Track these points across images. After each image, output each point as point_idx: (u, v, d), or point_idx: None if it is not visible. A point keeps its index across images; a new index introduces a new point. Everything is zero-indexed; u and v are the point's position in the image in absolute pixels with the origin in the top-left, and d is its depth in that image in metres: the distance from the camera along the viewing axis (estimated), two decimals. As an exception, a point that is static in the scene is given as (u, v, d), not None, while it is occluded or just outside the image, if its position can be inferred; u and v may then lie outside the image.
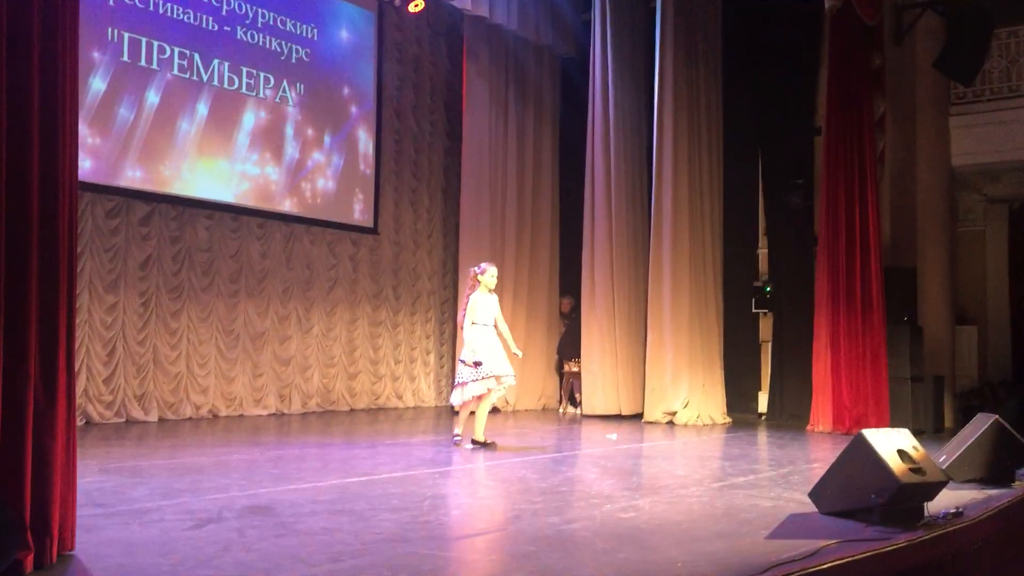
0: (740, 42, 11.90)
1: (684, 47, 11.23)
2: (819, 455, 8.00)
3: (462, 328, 7.90)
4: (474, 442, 7.85)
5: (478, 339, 7.75)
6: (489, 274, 7.95)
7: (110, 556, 3.78)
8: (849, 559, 4.01)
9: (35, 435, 3.57)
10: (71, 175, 3.84)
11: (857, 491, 4.82)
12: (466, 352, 7.80)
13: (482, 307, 7.85)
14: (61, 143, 3.76)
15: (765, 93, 11.88)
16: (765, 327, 11.97)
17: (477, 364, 7.70)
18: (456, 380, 7.93)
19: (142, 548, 3.94)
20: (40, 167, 3.66)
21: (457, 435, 7.94)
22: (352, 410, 11.64)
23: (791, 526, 4.71)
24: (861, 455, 4.85)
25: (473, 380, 7.70)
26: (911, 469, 4.75)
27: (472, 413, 7.95)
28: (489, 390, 7.76)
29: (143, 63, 9.55)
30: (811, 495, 5.18)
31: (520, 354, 8.25)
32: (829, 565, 3.90)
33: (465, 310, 7.87)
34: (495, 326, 7.94)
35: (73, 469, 3.82)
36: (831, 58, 10.70)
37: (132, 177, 9.46)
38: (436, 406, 12.59)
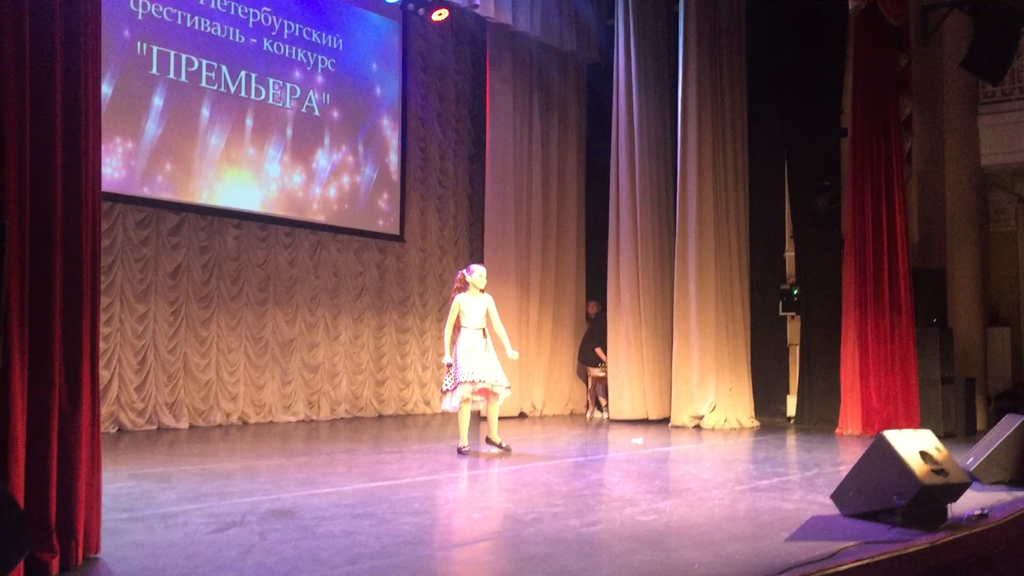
0: (764, 45, 11.86)
1: (708, 51, 11.21)
2: (846, 458, 7.94)
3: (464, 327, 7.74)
4: (488, 441, 7.88)
5: (457, 343, 7.67)
6: (476, 274, 7.86)
7: (134, 559, 3.86)
8: (869, 561, 4.00)
9: (60, 440, 3.66)
10: (94, 184, 3.93)
11: (879, 493, 4.79)
12: (446, 356, 7.77)
13: (467, 308, 7.75)
14: (83, 154, 3.85)
15: (790, 95, 11.83)
16: (793, 330, 11.89)
17: (450, 367, 7.63)
18: (442, 387, 7.82)
19: (165, 551, 4.01)
20: (63, 177, 3.75)
21: (463, 446, 7.76)
22: (380, 416, 11.72)
23: (812, 528, 4.69)
24: (883, 456, 4.82)
25: (453, 387, 7.60)
26: (933, 470, 4.71)
27: (484, 418, 7.96)
28: (468, 398, 7.62)
29: (172, 76, 9.70)
30: (833, 497, 5.16)
31: (515, 355, 8.05)
32: (849, 567, 3.88)
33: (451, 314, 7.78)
34: (486, 329, 7.81)
35: (98, 473, 3.90)
36: (856, 59, 10.63)
37: (162, 187, 9.61)
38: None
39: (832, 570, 3.83)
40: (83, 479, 3.74)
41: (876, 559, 4.04)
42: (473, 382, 7.57)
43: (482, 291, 7.89)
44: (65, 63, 3.79)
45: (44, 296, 3.64)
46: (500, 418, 8.15)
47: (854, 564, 3.92)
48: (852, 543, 4.22)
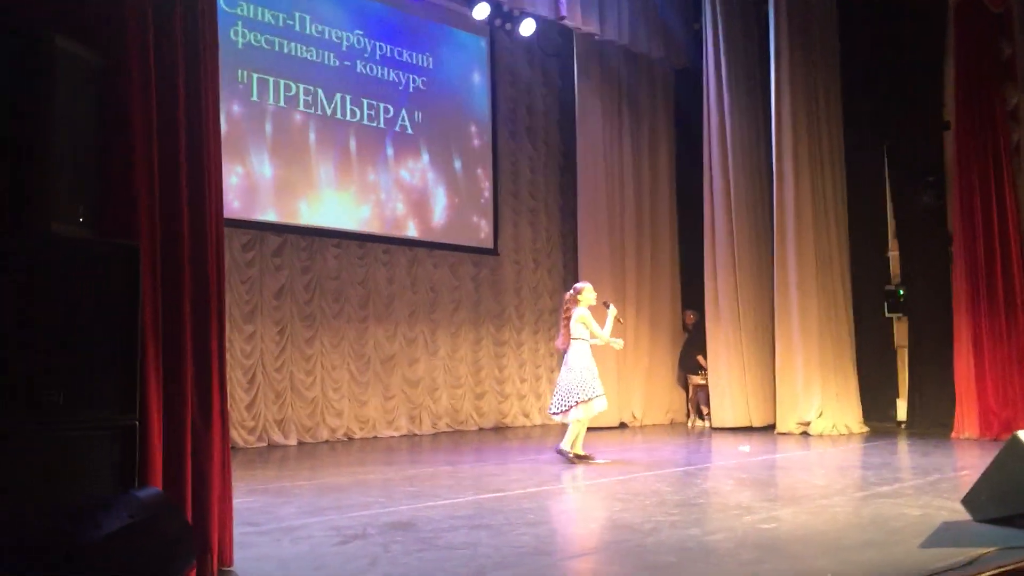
0: (858, 38, 11.56)
1: (800, 48, 10.99)
2: (968, 462, 7.65)
3: (594, 341, 7.96)
4: (575, 456, 7.95)
5: (587, 356, 7.93)
6: (588, 291, 8.08)
7: (266, 571, 3.95)
8: (1011, 567, 3.83)
9: (194, 456, 3.77)
10: (217, 207, 4.05)
11: (1014, 496, 4.59)
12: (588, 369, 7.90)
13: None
14: (207, 178, 3.98)
15: (888, 90, 11.49)
16: (900, 331, 11.52)
17: (595, 380, 7.86)
18: (580, 396, 7.87)
19: (294, 563, 4.09)
20: (189, 201, 3.87)
21: (581, 453, 7.96)
22: (480, 429, 11.78)
23: (945, 534, 4.52)
24: (1017, 458, 4.62)
25: (590, 397, 7.80)
26: (1073, 472, 4.50)
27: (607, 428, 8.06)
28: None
29: (271, 101, 9.98)
30: (964, 502, 4.96)
31: (619, 344, 8.25)
32: (991, 573, 3.73)
33: (594, 325, 7.95)
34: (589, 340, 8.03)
35: (228, 488, 4.00)
36: (957, 50, 10.29)
37: (264, 210, 9.87)
38: (563, 424, 12.57)
39: (973, 577, 3.69)
40: (216, 494, 3.84)
41: (1018, 565, 3.87)
42: (589, 400, 7.78)
43: (603, 306, 8.16)
44: (187, 89, 3.91)
45: (175, 317, 3.76)
46: (600, 428, 8.26)
47: (996, 570, 3.76)
48: (991, 549, 4.05)
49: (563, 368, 8.00)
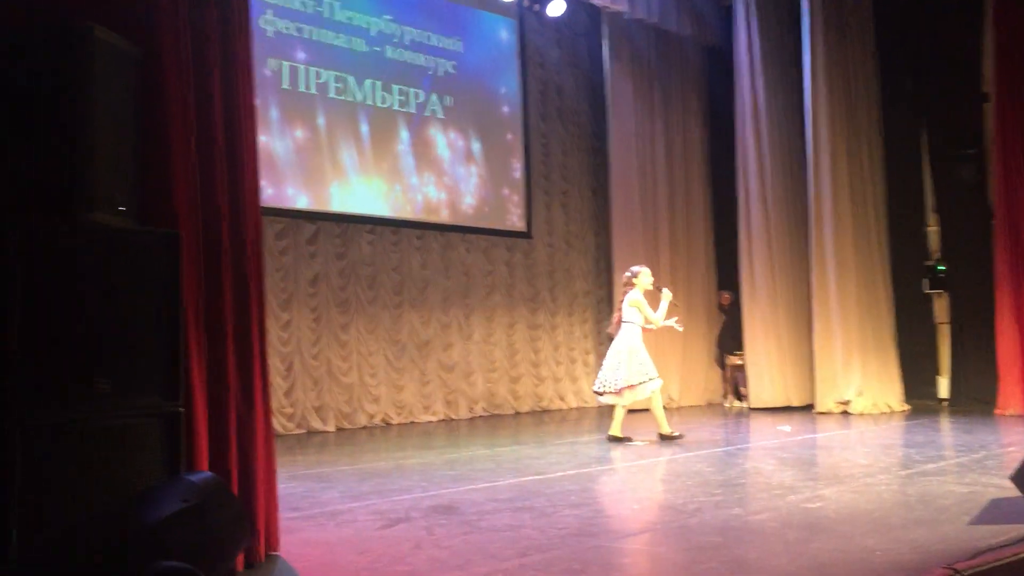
0: (894, 10, 11.35)
1: (834, 22, 10.82)
2: (1013, 439, 7.54)
3: (651, 325, 8.03)
4: (612, 437, 8.04)
5: (639, 338, 8.00)
6: (643, 275, 8.15)
7: (312, 555, 3.97)
8: (1064, 543, 3.76)
9: (239, 442, 3.79)
10: (254, 193, 4.06)
11: (1066, 472, 4.50)
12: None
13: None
14: (244, 164, 3.98)
15: (925, 62, 11.27)
16: (940, 308, 11.34)
17: (645, 364, 7.93)
18: (629, 381, 7.91)
19: (340, 547, 4.11)
20: (228, 188, 3.88)
21: (670, 432, 8.07)
22: (517, 413, 11.77)
23: (995, 511, 4.45)
24: (1068, 433, 4.53)
25: (647, 380, 7.89)
26: None
27: (646, 410, 8.20)
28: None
29: (303, 88, 10.00)
30: (1013, 479, 4.85)
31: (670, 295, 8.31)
32: (1043, 550, 3.66)
33: (647, 310, 8.00)
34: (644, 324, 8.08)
35: (273, 473, 4.02)
36: (996, 18, 10.09)
37: (297, 198, 9.91)
38: (599, 406, 12.56)
39: (1027, 553, 3.62)
40: (261, 478, 3.86)
41: (1073, 541, 3.79)
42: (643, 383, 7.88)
43: (657, 291, 8.22)
44: (223, 76, 3.91)
45: (216, 302, 3.77)
46: (640, 411, 8.38)
47: (1050, 547, 3.69)
48: (1044, 525, 3.98)
49: (611, 349, 8.07)
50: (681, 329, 8.44)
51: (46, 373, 2.99)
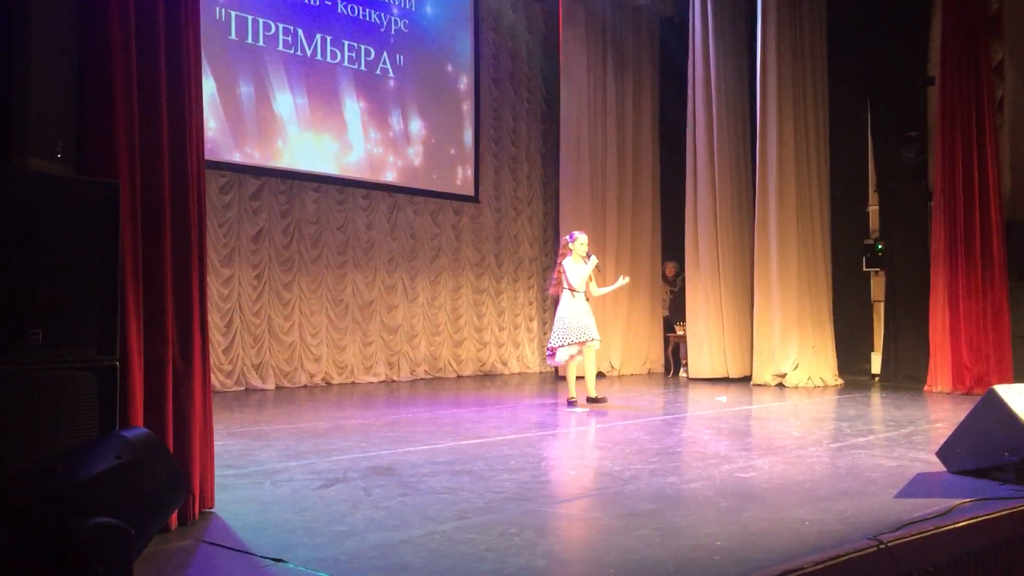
0: (846, -8, 11.47)
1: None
2: (941, 415, 7.76)
3: (574, 292, 8.19)
4: (588, 399, 8.30)
5: (564, 305, 8.20)
6: (578, 242, 8.29)
7: (247, 514, 3.94)
8: (985, 518, 3.89)
9: (175, 397, 3.74)
10: (198, 148, 3.97)
11: (989, 449, 4.66)
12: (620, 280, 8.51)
13: (573, 274, 8.22)
14: (187, 119, 3.88)
15: (873, 44, 11.42)
16: (877, 286, 11.60)
17: (564, 330, 8.13)
18: (556, 342, 8.23)
19: (276, 506, 4.09)
20: (169, 141, 3.79)
21: (572, 399, 8.29)
22: (459, 377, 11.80)
23: (920, 485, 4.59)
24: (993, 412, 4.68)
25: (560, 346, 8.14)
26: (1047, 425, 4.56)
27: (580, 377, 8.37)
28: (574, 355, 8.19)
29: (249, 40, 9.78)
30: (939, 454, 5.03)
31: (626, 280, 8.71)
32: (964, 524, 3.79)
33: (568, 276, 8.17)
34: (587, 292, 8.31)
35: (210, 430, 3.98)
36: (944, 4, 10.23)
37: (242, 152, 9.72)
38: (541, 372, 12.66)
39: (948, 527, 3.74)
40: (197, 435, 3.81)
41: (992, 516, 3.93)
42: (582, 342, 8.10)
43: (585, 257, 8.29)
44: (168, 22, 3.80)
45: (156, 257, 3.70)
46: (578, 378, 8.50)
47: (970, 521, 3.82)
48: (965, 500, 4.11)
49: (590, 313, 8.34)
50: (627, 280, 8.73)
51: (-25, 322, 2.90)
